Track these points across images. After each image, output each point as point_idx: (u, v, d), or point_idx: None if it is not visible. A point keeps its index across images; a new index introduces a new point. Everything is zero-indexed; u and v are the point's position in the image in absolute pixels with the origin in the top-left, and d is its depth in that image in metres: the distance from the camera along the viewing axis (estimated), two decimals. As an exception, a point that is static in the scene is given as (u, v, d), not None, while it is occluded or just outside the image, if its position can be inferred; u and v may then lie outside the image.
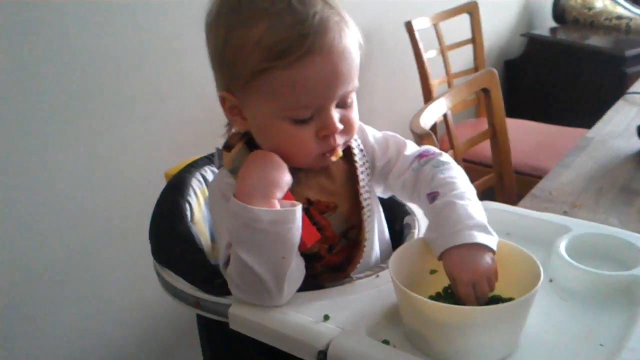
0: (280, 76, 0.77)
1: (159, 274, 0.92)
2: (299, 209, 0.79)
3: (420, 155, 0.92)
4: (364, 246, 0.90)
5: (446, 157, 0.92)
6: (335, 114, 0.82)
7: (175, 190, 1.00)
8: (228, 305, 0.81)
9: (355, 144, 0.92)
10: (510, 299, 0.76)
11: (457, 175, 0.88)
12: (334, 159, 0.86)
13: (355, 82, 0.83)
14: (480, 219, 0.80)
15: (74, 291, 1.51)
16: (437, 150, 0.94)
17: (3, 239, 1.35)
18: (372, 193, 0.94)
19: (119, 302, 1.62)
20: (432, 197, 0.85)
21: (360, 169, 0.91)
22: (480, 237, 0.78)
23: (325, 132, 0.81)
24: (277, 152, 0.84)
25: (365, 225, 0.90)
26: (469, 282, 0.75)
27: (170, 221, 0.96)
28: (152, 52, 1.54)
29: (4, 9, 1.25)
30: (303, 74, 0.77)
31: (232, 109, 0.85)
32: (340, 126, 0.82)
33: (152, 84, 1.56)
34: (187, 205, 0.99)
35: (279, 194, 0.80)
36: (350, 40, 0.80)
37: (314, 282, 0.88)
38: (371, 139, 0.95)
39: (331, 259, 0.90)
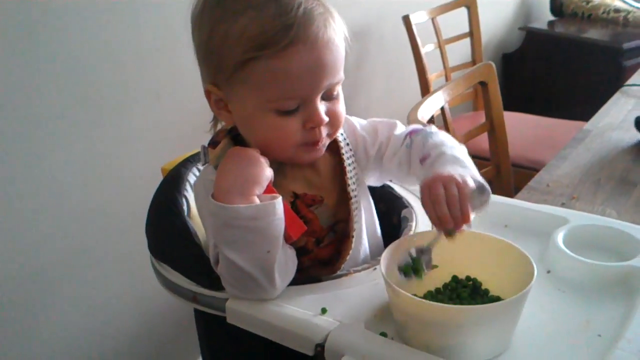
0: (264, 66, 0.77)
1: (156, 269, 0.92)
2: (279, 201, 0.78)
3: (410, 133, 0.92)
4: (352, 237, 0.89)
5: (434, 128, 0.93)
6: (321, 106, 0.81)
7: (171, 185, 1.00)
8: (225, 299, 0.81)
9: (342, 137, 0.92)
10: (498, 298, 0.76)
11: (446, 138, 0.90)
12: (318, 154, 0.86)
13: (341, 74, 0.82)
14: (469, 164, 0.82)
15: (71, 286, 1.51)
16: (425, 125, 0.95)
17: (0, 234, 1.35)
18: (361, 186, 0.94)
19: (116, 297, 1.62)
20: (424, 159, 0.86)
21: (347, 161, 0.91)
22: (459, 171, 0.77)
23: (311, 124, 0.81)
24: (262, 144, 0.83)
25: (353, 216, 0.90)
26: (430, 189, 0.75)
27: (167, 216, 0.96)
28: (149, 47, 1.53)
29: (2, 5, 1.25)
30: (287, 65, 0.76)
31: (217, 102, 0.85)
32: (326, 118, 0.82)
33: (148, 80, 1.55)
34: (184, 200, 0.98)
35: (258, 189, 0.79)
36: (336, 31, 0.80)
37: (311, 275, 0.88)
38: (359, 129, 0.95)
39: (319, 253, 0.90)
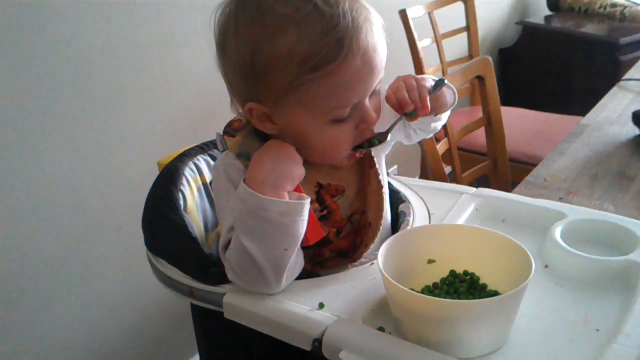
0: (319, 85, 0.75)
1: (152, 264, 0.92)
2: (307, 202, 0.79)
3: None
4: (381, 225, 0.89)
5: None
6: (369, 106, 0.82)
7: (168, 180, 1.00)
8: (223, 294, 0.81)
9: None
10: (496, 293, 0.76)
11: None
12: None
13: (383, 70, 0.82)
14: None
15: (68, 282, 1.50)
16: None
17: (-4, 231, 1.35)
18: (383, 175, 0.94)
19: (113, 293, 1.62)
20: None
21: (373, 151, 0.91)
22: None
23: (365, 125, 0.82)
24: (311, 152, 0.84)
25: (384, 204, 0.90)
26: (392, 85, 0.83)
27: (164, 211, 0.95)
28: (146, 42, 1.53)
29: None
30: (341, 78, 0.75)
31: (261, 117, 0.83)
32: (376, 116, 0.82)
33: (145, 74, 1.55)
34: (181, 195, 0.98)
35: (290, 186, 0.80)
36: (379, 31, 0.79)
37: (312, 270, 0.87)
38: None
39: (339, 244, 0.90)
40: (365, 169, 0.91)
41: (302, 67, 0.74)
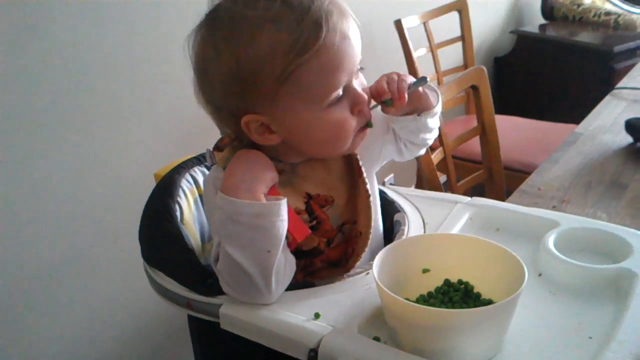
0: (308, 70, 0.77)
1: (149, 275, 0.92)
2: (283, 202, 0.80)
3: None
4: (370, 234, 0.90)
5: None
6: (357, 86, 0.84)
7: (164, 191, 1.00)
8: (219, 305, 0.81)
9: None
10: (490, 301, 0.77)
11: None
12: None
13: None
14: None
15: (65, 292, 1.50)
16: None
17: (-7, 242, 1.35)
18: (372, 184, 0.95)
19: (110, 304, 1.62)
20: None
21: (361, 161, 0.92)
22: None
23: (358, 106, 0.83)
24: (321, 147, 0.85)
25: (372, 213, 0.91)
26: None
27: (160, 222, 0.96)
28: (142, 53, 1.53)
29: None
30: (327, 57, 0.77)
31: (259, 129, 0.83)
32: (365, 95, 0.84)
33: (141, 85, 1.55)
34: (177, 206, 0.98)
35: (264, 188, 0.81)
36: (349, 12, 0.82)
37: (304, 281, 0.88)
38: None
39: (330, 254, 0.90)
40: (355, 178, 0.92)
41: (287, 56, 0.75)
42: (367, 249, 0.91)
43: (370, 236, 0.91)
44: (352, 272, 0.88)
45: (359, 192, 0.92)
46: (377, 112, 0.89)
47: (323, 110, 0.81)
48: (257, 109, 0.80)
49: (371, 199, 0.91)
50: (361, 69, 0.85)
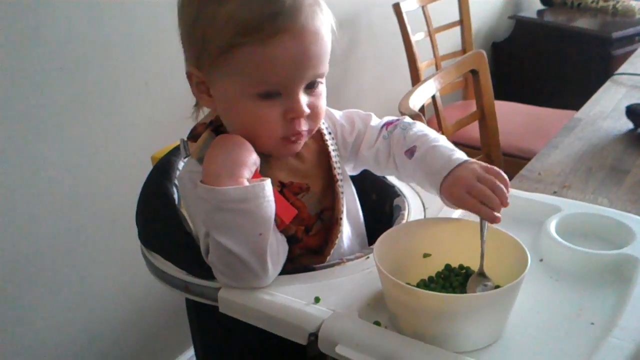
0: (249, 53, 0.76)
1: (146, 258, 0.91)
2: (267, 183, 0.79)
3: (386, 124, 0.95)
4: (340, 219, 0.90)
5: (408, 119, 0.95)
6: (303, 98, 0.81)
7: (161, 173, 0.99)
8: (217, 288, 0.81)
9: (324, 126, 0.93)
10: (497, 286, 0.76)
11: (425, 128, 0.92)
12: (297, 148, 0.86)
13: (326, 66, 0.82)
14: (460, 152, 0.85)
15: (62, 276, 1.49)
16: (400, 117, 0.97)
17: (-13, 225, 1.34)
18: (344, 173, 0.95)
19: (107, 287, 1.61)
20: (411, 152, 0.88)
21: (331, 147, 0.92)
22: (462, 155, 0.84)
23: (292, 114, 0.81)
24: (243, 133, 0.83)
25: (340, 198, 0.91)
26: (466, 190, 0.78)
27: (157, 205, 0.95)
28: (137, 36, 1.52)
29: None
30: (272, 53, 0.76)
31: (199, 85, 0.85)
32: (307, 110, 0.81)
33: (137, 68, 1.54)
34: (174, 189, 0.97)
35: (247, 173, 0.79)
36: (323, 23, 0.80)
37: (303, 264, 0.87)
38: (338, 117, 0.97)
39: (309, 241, 0.90)
40: (330, 161, 0.92)
41: (236, 30, 0.75)
42: (345, 236, 0.91)
43: (344, 222, 0.91)
44: (352, 256, 0.87)
45: (334, 175, 0.91)
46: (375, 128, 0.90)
47: (252, 97, 0.80)
48: (200, 65, 0.82)
49: (339, 184, 0.91)
50: (319, 82, 0.83)
